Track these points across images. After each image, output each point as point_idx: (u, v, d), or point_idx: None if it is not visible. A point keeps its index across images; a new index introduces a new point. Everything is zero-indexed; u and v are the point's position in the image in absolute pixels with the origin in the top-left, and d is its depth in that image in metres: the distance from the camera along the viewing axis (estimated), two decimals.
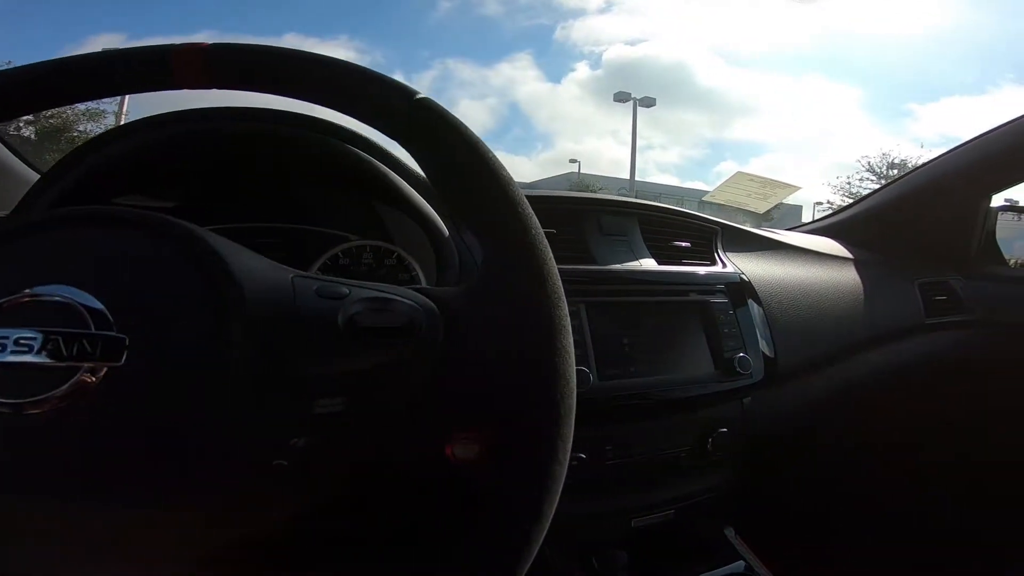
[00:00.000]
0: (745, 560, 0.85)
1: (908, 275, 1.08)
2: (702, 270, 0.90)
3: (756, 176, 1.27)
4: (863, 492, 1.10)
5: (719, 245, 0.98)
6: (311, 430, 0.32)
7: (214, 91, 0.40)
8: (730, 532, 0.89)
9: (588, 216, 0.89)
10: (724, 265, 0.95)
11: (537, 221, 0.38)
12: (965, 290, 1.08)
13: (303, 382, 0.32)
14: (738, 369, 0.81)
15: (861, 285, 1.02)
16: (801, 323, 0.93)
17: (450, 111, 0.38)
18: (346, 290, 0.34)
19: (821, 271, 1.02)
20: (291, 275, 0.34)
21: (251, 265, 0.32)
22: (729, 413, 0.86)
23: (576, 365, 0.39)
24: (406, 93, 0.38)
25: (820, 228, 1.27)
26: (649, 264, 0.88)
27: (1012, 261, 1.17)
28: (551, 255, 0.38)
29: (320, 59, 0.39)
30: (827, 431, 1.04)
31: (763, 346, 0.87)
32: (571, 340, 0.38)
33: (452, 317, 0.36)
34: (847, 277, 1.03)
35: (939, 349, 1.02)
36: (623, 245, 0.89)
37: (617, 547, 0.83)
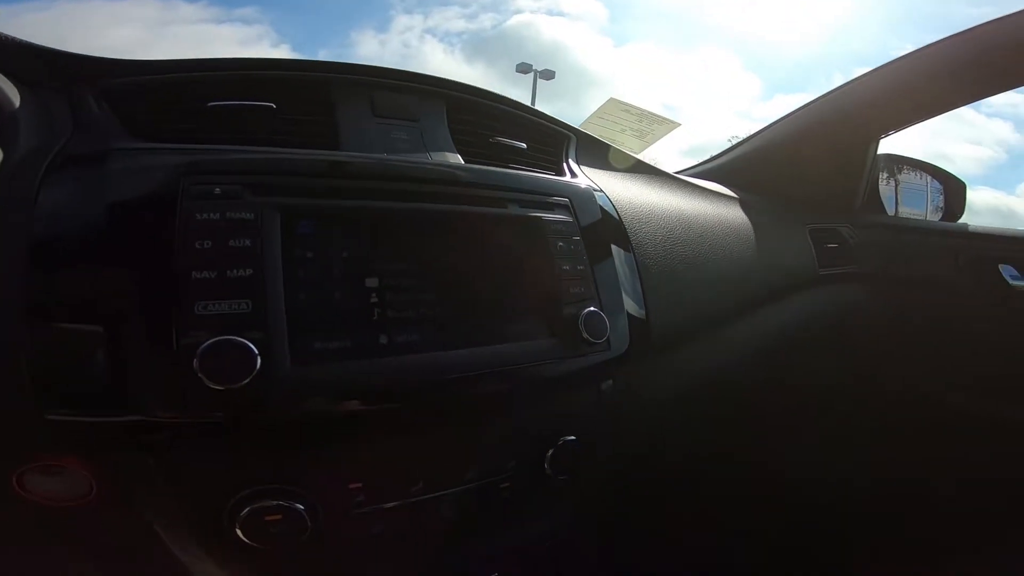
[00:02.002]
0: None
1: (798, 220, 0.91)
2: (538, 175, 0.60)
3: (632, 106, 1.05)
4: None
5: (571, 155, 0.70)
6: None
7: None
8: None
9: (349, 90, 0.57)
10: (574, 176, 0.66)
11: None
12: (855, 238, 0.94)
13: None
14: (586, 334, 0.50)
15: (752, 227, 0.81)
16: (684, 269, 0.66)
17: None
18: None
19: (708, 206, 0.78)
20: None
21: None
22: (577, 410, 0.56)
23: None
24: None
25: (701, 172, 1.08)
26: (447, 159, 0.57)
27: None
28: None
29: None
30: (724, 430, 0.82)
31: (628, 301, 0.57)
32: None
33: None
34: (737, 216, 0.81)
35: (835, 306, 0.86)
36: (407, 133, 0.57)
37: None
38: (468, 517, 0.51)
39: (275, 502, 0.41)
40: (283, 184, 0.44)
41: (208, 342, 0.37)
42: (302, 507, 0.42)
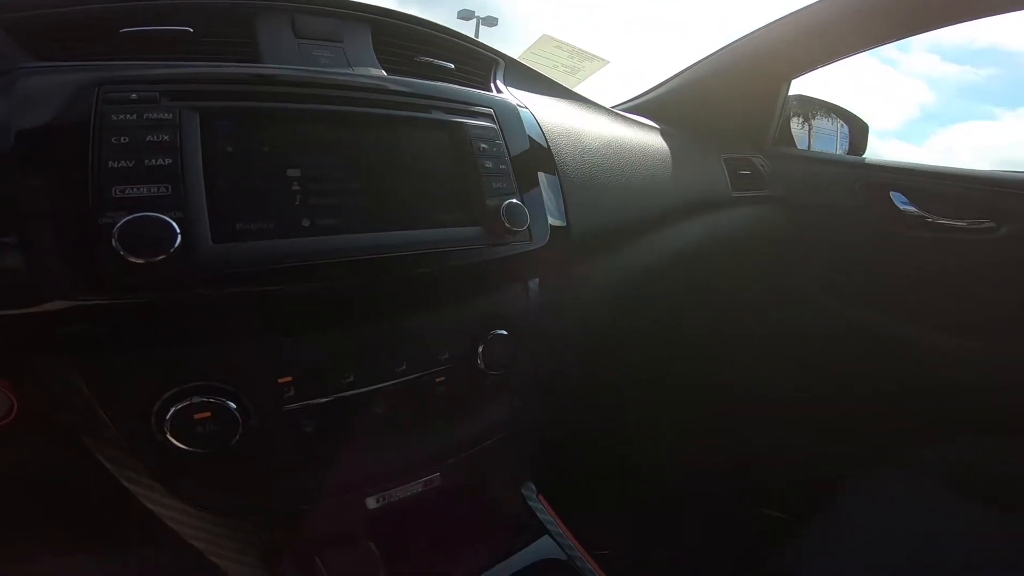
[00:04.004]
0: (552, 535, 0.60)
1: (715, 150, 0.97)
2: (462, 88, 0.61)
3: (565, 44, 1.07)
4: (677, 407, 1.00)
5: (499, 77, 0.71)
6: None
7: None
8: (529, 491, 0.64)
9: (269, 14, 0.55)
10: (500, 92, 0.68)
11: None
12: (766, 168, 1.02)
13: None
14: (507, 223, 0.53)
15: (670, 153, 0.86)
16: (603, 180, 0.70)
17: None
18: None
19: (628, 131, 0.83)
20: None
21: None
22: (507, 305, 0.58)
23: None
24: None
25: (627, 108, 1.12)
26: (371, 73, 0.57)
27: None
28: None
29: None
30: (639, 328, 0.89)
31: (549, 200, 0.60)
32: None
33: None
34: (656, 142, 0.86)
35: (747, 224, 0.94)
36: (331, 51, 0.57)
37: (352, 543, 0.54)
38: (405, 414, 0.52)
39: (203, 399, 0.41)
40: (202, 91, 0.43)
41: (126, 218, 0.37)
42: (232, 405, 0.42)
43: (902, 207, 1.00)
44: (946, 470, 0.77)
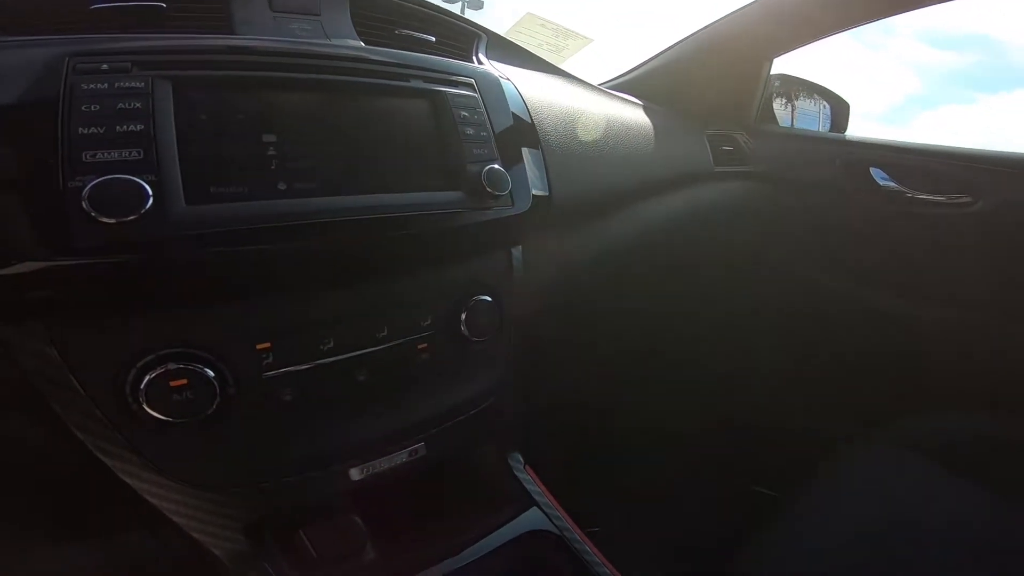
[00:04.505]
0: (540, 507, 0.60)
1: (698, 126, 0.97)
2: (443, 59, 0.60)
3: (549, 22, 1.06)
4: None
5: (480, 51, 0.71)
6: None
7: None
8: (516, 461, 0.64)
9: None
10: (482, 64, 0.67)
11: None
12: (749, 144, 1.02)
13: None
14: (488, 188, 0.52)
15: (653, 128, 0.86)
16: (585, 151, 0.69)
17: None
18: None
19: (611, 105, 0.82)
20: None
21: None
22: (490, 271, 0.58)
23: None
24: None
25: (611, 87, 1.12)
26: (346, 43, 0.56)
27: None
28: None
29: None
30: (621, 299, 0.89)
31: (530, 167, 0.60)
32: None
33: None
34: (639, 117, 0.86)
35: (729, 198, 0.94)
36: (308, 24, 0.56)
37: (337, 516, 0.54)
38: (388, 382, 0.51)
39: (179, 365, 0.40)
40: (174, 61, 0.42)
41: (96, 180, 0.36)
42: (210, 372, 0.41)
43: (882, 183, 1.01)
44: (932, 444, 0.78)
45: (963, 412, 0.85)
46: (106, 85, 0.39)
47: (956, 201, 0.95)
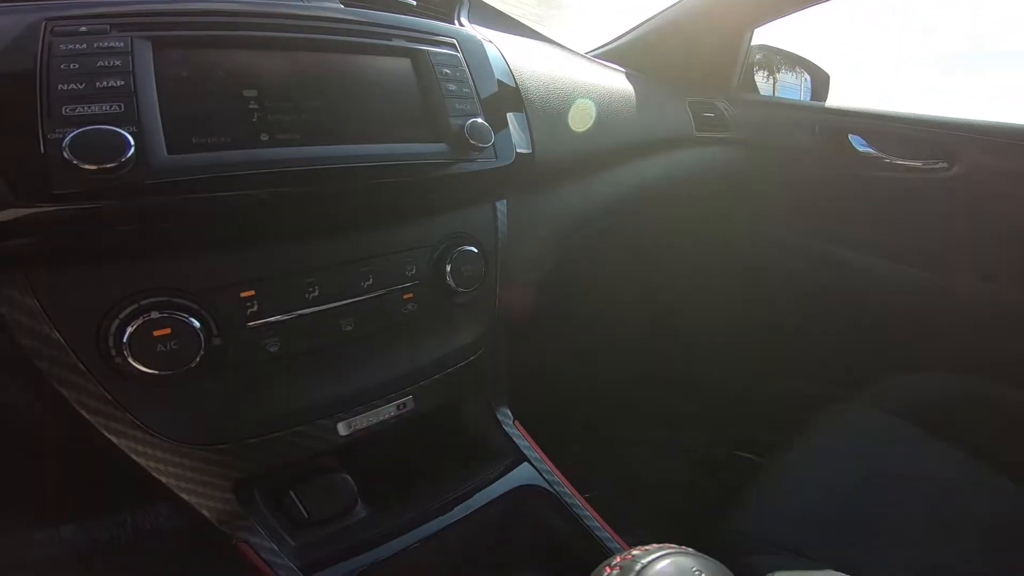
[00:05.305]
0: (530, 460, 0.60)
1: (680, 94, 0.98)
2: (424, 20, 0.59)
3: None
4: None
5: (462, 15, 0.70)
6: None
7: None
8: (505, 416, 0.64)
9: None
10: (463, 26, 0.67)
11: None
12: (729, 111, 1.03)
13: None
14: (471, 140, 0.52)
15: (635, 94, 0.86)
16: (567, 109, 0.69)
17: None
18: None
19: (593, 70, 0.82)
20: None
21: None
22: (475, 224, 0.58)
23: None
24: None
25: (595, 56, 1.12)
26: (325, 4, 0.55)
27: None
28: None
29: None
30: (603, 255, 0.89)
31: (513, 123, 0.60)
32: None
33: None
34: (622, 84, 0.86)
35: (710, 162, 0.95)
36: None
37: (326, 473, 0.54)
38: (374, 333, 0.51)
39: (161, 314, 0.40)
40: (153, 23, 0.42)
41: (78, 130, 0.36)
42: (194, 321, 0.41)
43: (861, 149, 1.02)
44: (909, 406, 0.80)
45: (938, 374, 0.87)
46: (85, 45, 0.39)
47: (932, 167, 0.97)
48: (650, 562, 0.35)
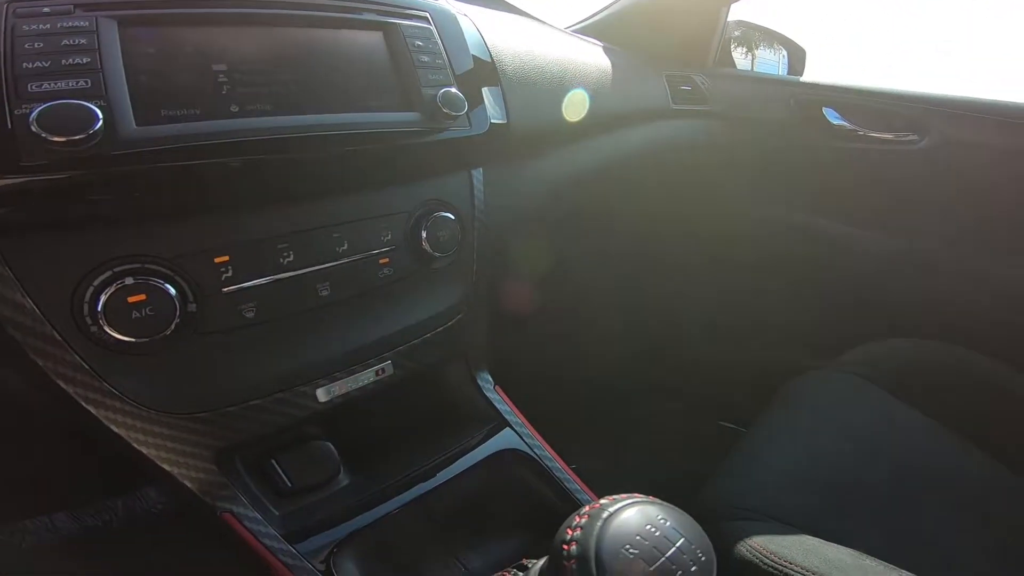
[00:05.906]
0: (511, 425, 0.61)
1: (656, 67, 0.98)
2: None
3: None
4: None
5: None
6: None
7: None
8: (485, 381, 0.65)
9: None
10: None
11: None
12: (706, 85, 1.04)
13: None
14: (444, 108, 0.52)
15: (612, 67, 0.87)
16: (542, 80, 0.70)
17: None
18: None
19: (568, 42, 0.82)
20: None
21: None
22: (451, 191, 0.58)
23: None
24: None
25: (573, 31, 1.12)
26: None
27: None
28: None
29: None
30: (580, 225, 0.90)
31: (488, 98, 0.60)
32: None
33: None
34: (599, 57, 0.86)
35: (687, 134, 0.96)
36: None
37: (309, 441, 0.54)
38: (351, 298, 0.52)
39: (135, 279, 0.40)
40: (117, 2, 0.42)
41: (45, 105, 0.36)
42: (169, 287, 0.41)
43: (835, 122, 1.04)
44: (883, 372, 0.82)
45: (912, 339, 0.89)
46: (48, 26, 0.39)
47: (904, 139, 0.99)
48: (617, 510, 0.37)
